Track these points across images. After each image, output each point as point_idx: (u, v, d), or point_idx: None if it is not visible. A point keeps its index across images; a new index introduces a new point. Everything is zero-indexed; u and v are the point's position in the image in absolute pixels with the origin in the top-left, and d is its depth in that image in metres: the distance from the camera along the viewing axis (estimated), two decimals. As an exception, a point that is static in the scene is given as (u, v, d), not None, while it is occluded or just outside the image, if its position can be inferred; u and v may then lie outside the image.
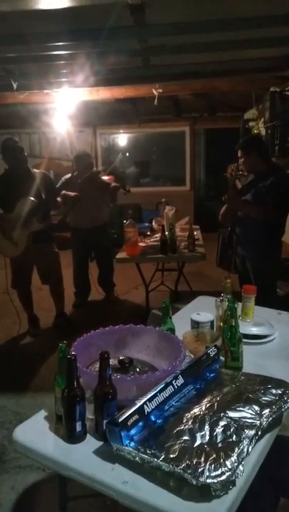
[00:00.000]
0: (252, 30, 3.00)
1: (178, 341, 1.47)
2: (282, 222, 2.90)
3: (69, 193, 3.91)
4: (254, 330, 1.71)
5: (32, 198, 3.33)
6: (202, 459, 0.98)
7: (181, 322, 1.72)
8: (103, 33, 2.83)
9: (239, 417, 1.13)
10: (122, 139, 8.47)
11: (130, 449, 1.04)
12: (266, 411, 1.15)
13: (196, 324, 1.68)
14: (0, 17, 2.54)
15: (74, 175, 4.20)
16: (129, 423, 1.06)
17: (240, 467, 0.98)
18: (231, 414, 1.14)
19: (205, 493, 0.94)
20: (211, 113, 7.45)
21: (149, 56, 3.63)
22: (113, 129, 8.14)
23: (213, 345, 1.44)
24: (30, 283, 3.76)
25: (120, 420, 1.05)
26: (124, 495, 0.99)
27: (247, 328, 1.69)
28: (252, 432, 1.08)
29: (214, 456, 0.99)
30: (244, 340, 1.50)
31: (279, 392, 1.24)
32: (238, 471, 0.97)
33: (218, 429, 1.08)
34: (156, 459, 1.00)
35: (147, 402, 1.12)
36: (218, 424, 1.10)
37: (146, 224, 4.62)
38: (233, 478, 0.95)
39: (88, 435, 1.18)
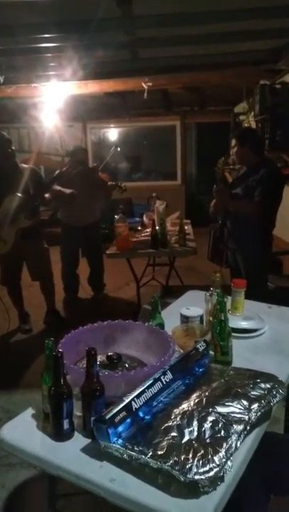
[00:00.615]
0: (241, 23, 2.99)
1: (167, 336, 1.45)
2: (273, 216, 2.90)
3: (65, 189, 3.86)
4: (244, 324, 1.70)
5: (19, 194, 3.28)
6: (190, 455, 0.97)
7: (171, 317, 1.71)
8: (90, 25, 2.79)
9: (228, 412, 1.12)
10: (113, 133, 8.41)
11: (118, 446, 1.03)
12: (255, 405, 1.15)
13: (185, 319, 1.67)
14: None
15: (67, 169, 4.12)
16: (116, 420, 1.05)
17: (229, 463, 0.97)
18: (220, 409, 1.13)
19: (193, 489, 0.93)
20: (202, 107, 7.42)
21: (138, 49, 3.61)
22: (103, 123, 8.08)
23: (202, 339, 1.43)
24: (19, 279, 3.72)
25: (107, 417, 1.04)
26: (111, 492, 0.97)
27: (237, 322, 1.68)
28: (240, 427, 1.07)
29: (202, 452, 0.98)
30: (234, 334, 1.49)
31: (268, 386, 1.23)
32: (226, 467, 0.96)
33: (207, 425, 1.07)
34: (144, 456, 0.99)
35: (135, 399, 1.11)
36: (206, 420, 1.09)
37: (137, 219, 4.60)
38: (222, 474, 0.95)
39: (76, 433, 1.16)
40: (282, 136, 4.06)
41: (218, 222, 3.16)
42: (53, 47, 3.38)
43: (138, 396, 1.12)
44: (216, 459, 0.96)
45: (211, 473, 0.93)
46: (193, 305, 1.74)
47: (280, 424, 1.92)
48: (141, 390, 1.14)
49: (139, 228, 4.11)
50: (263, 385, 1.23)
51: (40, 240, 3.63)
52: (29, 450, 1.13)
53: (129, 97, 6.21)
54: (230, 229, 3.04)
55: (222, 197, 2.95)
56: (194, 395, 1.21)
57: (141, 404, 1.11)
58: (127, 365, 1.42)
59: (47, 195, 3.56)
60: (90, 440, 1.12)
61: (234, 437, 1.03)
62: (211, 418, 1.10)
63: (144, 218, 4.24)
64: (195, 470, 0.94)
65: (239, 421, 1.09)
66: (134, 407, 1.09)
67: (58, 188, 3.84)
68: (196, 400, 1.18)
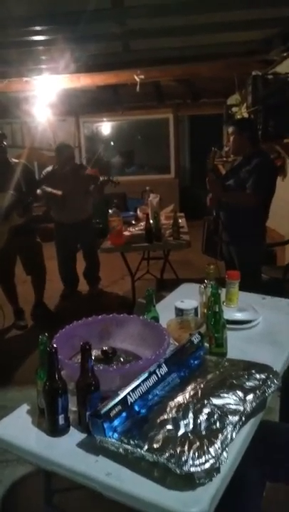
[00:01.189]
0: (233, 13, 2.96)
1: (162, 329, 1.45)
2: (266, 207, 2.89)
3: (56, 191, 3.83)
4: (238, 315, 1.70)
5: (12, 192, 3.26)
6: (186, 448, 0.97)
7: (166, 310, 1.70)
8: (82, 17, 2.75)
9: (223, 404, 1.12)
10: (106, 127, 8.37)
11: (113, 440, 1.03)
12: (250, 396, 1.15)
13: (180, 312, 1.67)
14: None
15: (55, 167, 4.10)
16: (112, 414, 1.04)
17: (224, 454, 0.97)
18: (215, 401, 1.13)
19: (189, 481, 0.93)
20: (195, 99, 7.38)
21: (129, 40, 3.57)
22: (96, 117, 8.02)
23: (196, 332, 1.43)
24: (13, 276, 3.71)
25: (103, 412, 1.03)
26: (108, 486, 0.97)
27: (231, 313, 1.68)
28: (236, 418, 1.07)
29: (198, 444, 0.98)
30: (228, 325, 1.49)
31: (263, 376, 1.23)
32: (222, 458, 0.96)
33: (202, 417, 1.07)
34: (139, 450, 0.99)
35: (130, 393, 1.10)
36: (201, 412, 1.09)
37: (131, 213, 4.58)
38: (217, 465, 0.94)
39: (72, 428, 1.16)
40: (275, 127, 4.03)
41: (212, 215, 3.16)
42: (44, 40, 3.33)
43: (133, 390, 1.11)
44: (211, 450, 0.96)
45: (207, 465, 0.93)
46: (188, 298, 1.74)
47: (273, 414, 1.93)
48: (136, 383, 1.13)
49: (133, 222, 4.10)
50: (257, 376, 1.23)
51: (33, 236, 3.62)
52: (25, 446, 1.13)
53: (121, 91, 6.17)
54: (224, 221, 3.03)
55: (214, 187, 2.94)
56: (189, 388, 1.20)
57: (136, 398, 1.11)
58: (122, 359, 1.41)
59: (38, 191, 3.54)
60: (85, 435, 1.12)
61: (229, 428, 1.03)
62: (206, 410, 1.10)
63: (138, 212, 4.22)
64: (191, 462, 0.93)
65: (234, 412, 1.09)
66: (129, 401, 1.09)
67: (48, 189, 3.82)
68: (192, 393, 1.18)
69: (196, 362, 1.34)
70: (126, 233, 3.67)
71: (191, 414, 1.08)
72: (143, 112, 7.76)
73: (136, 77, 4.42)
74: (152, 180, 7.04)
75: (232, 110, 5.82)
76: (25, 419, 1.22)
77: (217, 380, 1.23)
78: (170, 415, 1.09)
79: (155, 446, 0.99)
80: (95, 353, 1.37)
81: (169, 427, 1.05)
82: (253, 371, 1.25)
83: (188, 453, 0.96)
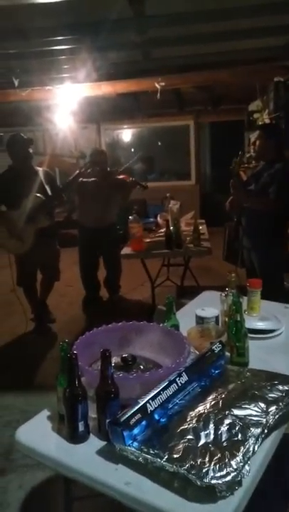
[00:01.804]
0: (254, 19, 2.95)
1: (182, 338, 1.44)
2: (288, 212, 2.84)
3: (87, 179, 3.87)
4: (260, 324, 1.68)
5: (39, 195, 3.33)
6: (206, 459, 0.96)
7: (186, 318, 1.69)
8: (103, 26, 2.79)
9: (245, 415, 1.10)
10: (126, 134, 8.42)
11: (133, 449, 1.02)
12: (273, 408, 1.12)
13: (200, 320, 1.65)
14: (0, 12, 2.52)
15: (85, 171, 4.04)
16: (131, 422, 1.04)
17: (246, 467, 0.95)
18: (237, 412, 1.11)
19: (210, 493, 0.92)
20: (215, 106, 7.37)
21: (150, 49, 3.59)
22: (117, 124, 8.09)
23: (218, 340, 1.41)
24: (35, 280, 3.75)
25: (122, 420, 1.03)
26: (127, 496, 0.97)
27: (253, 322, 1.66)
28: (258, 430, 1.05)
29: (219, 455, 0.96)
30: (250, 335, 1.47)
31: (286, 388, 1.21)
32: (243, 471, 0.94)
33: (223, 428, 1.05)
34: (159, 459, 0.98)
35: (150, 401, 1.10)
36: (223, 423, 1.07)
37: (152, 219, 4.58)
38: (239, 478, 0.93)
39: (91, 435, 1.16)
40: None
41: (233, 221, 3.13)
42: (67, 49, 3.39)
43: (153, 398, 1.10)
44: (233, 463, 0.95)
45: (228, 478, 0.91)
46: (209, 306, 1.72)
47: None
48: (156, 392, 1.12)
49: (154, 229, 4.09)
50: (280, 387, 1.21)
51: (54, 240, 3.66)
52: (44, 452, 1.13)
53: (142, 98, 6.21)
54: (245, 227, 3.00)
55: (238, 192, 2.92)
56: (210, 397, 1.19)
57: (156, 406, 1.10)
58: (141, 367, 1.41)
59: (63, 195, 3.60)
60: (105, 443, 1.11)
61: (251, 441, 1.01)
62: (227, 421, 1.08)
63: (159, 219, 4.22)
64: (212, 474, 0.92)
65: (257, 424, 1.07)
66: (149, 410, 1.08)
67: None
68: (212, 403, 1.16)
69: (216, 371, 1.32)
70: (146, 240, 3.67)
71: (211, 425, 1.07)
72: (163, 119, 7.78)
73: (156, 85, 4.44)
74: (173, 187, 7.03)
75: (253, 116, 5.78)
76: (45, 425, 1.23)
77: (239, 391, 1.21)
78: (190, 425, 1.08)
79: (175, 456, 0.98)
80: (114, 360, 1.37)
81: (190, 436, 1.04)
82: (276, 382, 1.23)
83: (209, 464, 0.94)
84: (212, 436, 1.03)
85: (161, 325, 1.54)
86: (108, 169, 4.21)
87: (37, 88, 4.50)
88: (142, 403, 1.08)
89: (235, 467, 0.94)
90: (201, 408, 1.14)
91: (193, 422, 1.09)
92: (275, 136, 2.89)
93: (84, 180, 3.95)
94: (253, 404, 1.14)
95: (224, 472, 0.92)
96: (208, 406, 1.15)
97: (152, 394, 1.11)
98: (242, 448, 0.99)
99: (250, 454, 0.99)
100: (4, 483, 2.06)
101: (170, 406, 1.15)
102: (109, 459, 1.06)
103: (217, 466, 0.94)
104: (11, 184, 3.36)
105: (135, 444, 1.03)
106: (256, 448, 1.01)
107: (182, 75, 4.43)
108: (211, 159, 8.53)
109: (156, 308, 3.64)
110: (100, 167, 4.04)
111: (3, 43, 3.16)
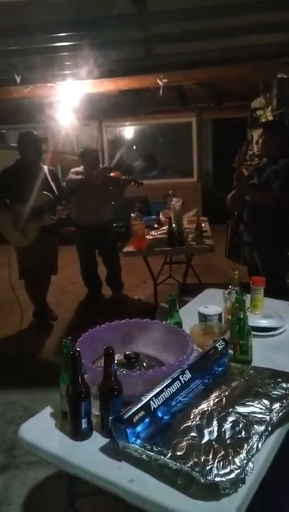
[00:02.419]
0: (257, 16, 2.93)
1: (185, 335, 1.44)
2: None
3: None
4: (263, 322, 1.67)
5: (47, 193, 3.35)
6: (210, 457, 0.95)
7: (189, 315, 1.69)
8: (106, 23, 2.78)
9: (248, 412, 1.10)
10: (128, 131, 8.40)
11: (136, 446, 1.02)
12: (276, 405, 1.12)
13: (203, 317, 1.65)
14: (2, 8, 2.51)
15: (80, 171, 4.10)
16: (134, 420, 1.04)
17: (250, 464, 0.95)
18: (240, 409, 1.11)
19: (214, 491, 0.91)
20: (218, 103, 7.34)
21: (153, 45, 3.58)
22: (119, 121, 8.07)
23: (221, 338, 1.41)
24: (38, 274, 3.74)
25: (126, 417, 1.03)
26: (130, 493, 0.97)
27: (256, 320, 1.65)
28: (262, 428, 1.05)
29: (223, 453, 0.96)
30: (253, 332, 1.46)
31: (290, 386, 1.20)
32: (247, 469, 0.94)
33: (227, 425, 1.05)
34: (163, 457, 0.98)
35: (154, 398, 1.10)
36: (226, 420, 1.07)
37: (154, 216, 4.57)
38: (243, 475, 0.93)
39: (95, 432, 1.16)
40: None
41: (234, 217, 3.12)
42: (69, 46, 3.38)
43: (156, 395, 1.10)
44: (236, 460, 0.94)
45: (232, 475, 0.91)
46: (212, 303, 1.72)
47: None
48: (159, 389, 1.12)
49: (156, 226, 4.09)
50: (284, 385, 1.21)
51: (53, 237, 3.68)
52: (48, 449, 1.14)
53: (144, 95, 6.19)
54: (246, 221, 2.99)
55: (242, 185, 2.90)
56: (214, 395, 1.19)
57: (159, 403, 1.10)
58: (144, 364, 1.41)
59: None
60: (108, 440, 1.11)
61: (255, 438, 1.01)
62: (231, 418, 1.08)
63: (161, 216, 4.21)
64: (215, 471, 0.92)
65: (260, 421, 1.07)
66: (152, 407, 1.08)
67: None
68: (216, 400, 1.16)
69: (220, 369, 1.32)
70: (148, 237, 3.66)
71: (215, 422, 1.07)
72: (166, 116, 7.75)
73: (159, 82, 4.43)
74: (175, 184, 7.01)
75: (256, 113, 5.76)
76: (48, 422, 1.23)
77: (242, 388, 1.21)
78: (194, 422, 1.08)
79: (178, 453, 0.98)
80: (117, 357, 1.37)
81: (193, 434, 1.03)
82: (279, 380, 1.23)
83: (213, 462, 0.94)
84: (215, 434, 1.03)
85: (164, 322, 1.54)
86: (101, 166, 4.22)
87: (39, 85, 4.49)
88: (145, 400, 1.08)
89: (238, 464, 0.93)
90: (204, 405, 1.14)
91: (197, 419, 1.08)
92: (279, 133, 2.88)
93: (78, 178, 3.97)
94: (257, 402, 1.13)
95: (228, 469, 0.92)
96: (211, 403, 1.15)
97: (155, 391, 1.11)
98: (246, 445, 0.99)
99: (254, 451, 0.98)
100: (7, 479, 2.07)
101: (173, 403, 1.14)
102: (113, 456, 1.06)
103: (221, 463, 0.94)
104: (18, 179, 3.38)
105: (138, 441, 1.03)
106: (260, 445, 1.01)
107: (184, 71, 4.41)
108: (213, 156, 8.50)
109: (159, 305, 3.64)
110: (92, 165, 4.05)
111: (6, 39, 3.15)
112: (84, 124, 7.48)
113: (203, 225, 3.77)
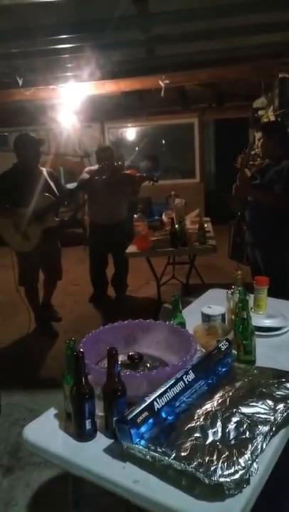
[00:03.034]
0: (258, 15, 2.92)
1: (188, 335, 1.44)
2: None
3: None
4: (267, 322, 1.67)
5: (48, 195, 3.34)
6: (214, 457, 0.95)
7: (193, 316, 1.69)
8: (107, 25, 2.78)
9: (252, 413, 1.09)
10: (131, 132, 8.40)
11: (140, 447, 1.02)
12: (280, 406, 1.12)
13: (206, 318, 1.65)
14: (3, 11, 2.51)
15: (94, 169, 4.04)
16: (138, 420, 1.03)
17: (255, 465, 0.95)
18: (244, 409, 1.11)
19: (218, 492, 0.91)
20: (219, 103, 7.34)
21: (154, 46, 3.58)
22: (121, 123, 8.08)
23: (224, 338, 1.41)
24: (37, 280, 3.73)
25: (130, 418, 1.03)
26: (135, 494, 0.96)
27: (260, 320, 1.65)
28: (266, 428, 1.04)
29: (227, 453, 0.96)
30: (257, 332, 1.46)
31: (294, 386, 1.20)
32: (252, 469, 0.94)
33: (231, 426, 1.05)
34: (167, 458, 0.98)
35: (157, 399, 1.09)
36: (230, 421, 1.07)
37: (157, 217, 4.57)
38: (247, 476, 0.92)
39: (99, 433, 1.16)
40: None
41: (236, 217, 3.12)
42: (71, 48, 3.38)
43: (160, 396, 1.10)
44: (241, 461, 0.94)
45: (237, 476, 0.91)
46: (215, 303, 1.71)
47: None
48: (163, 390, 1.12)
49: (159, 227, 4.08)
50: (288, 385, 1.20)
51: (56, 240, 3.67)
52: (52, 450, 1.14)
53: (146, 96, 6.20)
54: (248, 221, 2.99)
55: (244, 183, 2.90)
56: (217, 395, 1.18)
57: (163, 404, 1.10)
58: (148, 365, 1.41)
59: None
60: (112, 441, 1.11)
61: (260, 439, 1.01)
62: (235, 419, 1.08)
63: (163, 217, 4.21)
64: (220, 472, 0.92)
65: (264, 422, 1.06)
66: (156, 408, 1.08)
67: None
68: (220, 400, 1.16)
69: (223, 369, 1.32)
70: (151, 238, 3.66)
71: (219, 423, 1.07)
72: (168, 117, 7.76)
73: (161, 83, 4.43)
74: (177, 185, 7.01)
75: (258, 113, 5.75)
76: (52, 423, 1.23)
77: (246, 389, 1.20)
78: (198, 423, 1.07)
79: (183, 454, 0.97)
80: (121, 358, 1.37)
81: (197, 434, 1.03)
82: (284, 380, 1.22)
83: (217, 462, 0.94)
84: (220, 434, 1.03)
85: (167, 323, 1.54)
86: (115, 164, 4.18)
87: (41, 87, 4.51)
88: (148, 401, 1.08)
89: (243, 465, 0.93)
90: (208, 406, 1.14)
91: (201, 420, 1.08)
92: (277, 133, 2.87)
93: (92, 177, 3.93)
94: (261, 402, 1.13)
95: (232, 470, 0.92)
96: (215, 404, 1.14)
97: (159, 392, 1.11)
98: (250, 446, 0.98)
99: (259, 451, 0.98)
100: (12, 481, 2.07)
101: (177, 404, 1.14)
102: (117, 457, 1.06)
103: (225, 464, 0.93)
104: (17, 182, 3.36)
105: (142, 442, 1.03)
106: (264, 446, 1.00)
107: (186, 72, 4.42)
108: (215, 157, 8.50)
109: (162, 306, 3.64)
110: (106, 163, 4.02)
111: (7, 42, 3.16)
112: (86, 125, 7.49)
113: (205, 225, 3.77)
